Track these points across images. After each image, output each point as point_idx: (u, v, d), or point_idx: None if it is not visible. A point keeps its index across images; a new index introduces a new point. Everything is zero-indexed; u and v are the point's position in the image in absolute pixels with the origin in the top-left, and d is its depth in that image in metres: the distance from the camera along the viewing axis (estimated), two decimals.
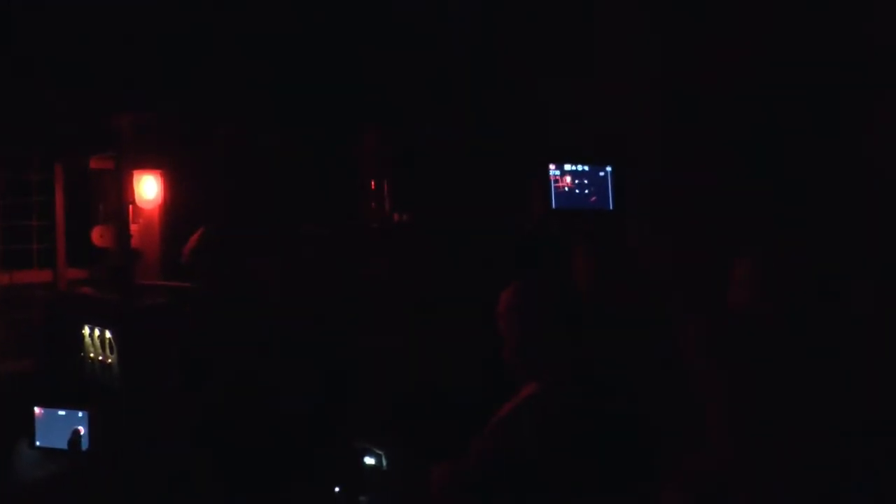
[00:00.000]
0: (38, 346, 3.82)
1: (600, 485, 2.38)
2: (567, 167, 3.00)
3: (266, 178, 3.95)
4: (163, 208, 4.03)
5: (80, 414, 3.08)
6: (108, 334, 3.50)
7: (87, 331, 3.64)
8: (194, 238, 3.52)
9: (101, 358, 3.52)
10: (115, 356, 3.43)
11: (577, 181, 3.00)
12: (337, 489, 2.84)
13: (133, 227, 4.02)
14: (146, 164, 3.99)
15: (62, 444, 3.11)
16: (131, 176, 3.98)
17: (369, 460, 2.94)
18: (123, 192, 3.93)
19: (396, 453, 2.95)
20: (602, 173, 3.05)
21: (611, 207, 3.07)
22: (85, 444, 3.07)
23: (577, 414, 2.53)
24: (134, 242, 4.02)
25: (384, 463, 2.91)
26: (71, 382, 3.48)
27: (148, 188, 4.02)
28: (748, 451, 2.05)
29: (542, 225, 3.23)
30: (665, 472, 2.25)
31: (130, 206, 4.00)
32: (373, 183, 4.06)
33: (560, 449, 2.45)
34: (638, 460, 2.39)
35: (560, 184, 2.96)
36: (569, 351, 2.66)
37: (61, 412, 3.11)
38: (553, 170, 2.97)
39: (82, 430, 3.06)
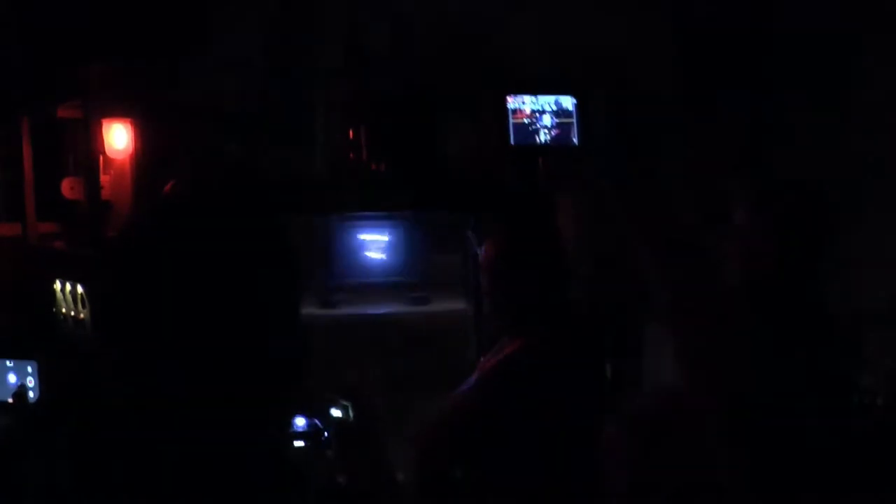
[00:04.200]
0: (8, 301, 3.72)
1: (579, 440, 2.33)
2: (527, 99, 2.78)
3: (239, 128, 3.81)
4: (134, 158, 3.90)
5: (29, 365, 2.98)
6: (80, 289, 3.42)
7: (58, 286, 3.56)
8: (166, 189, 3.40)
9: (73, 313, 3.46)
10: (87, 311, 3.35)
11: (537, 114, 2.78)
12: (301, 443, 2.72)
13: (104, 179, 3.89)
14: (115, 113, 3.86)
15: (9, 396, 3.02)
16: (100, 125, 3.85)
17: (336, 412, 2.83)
18: (92, 143, 3.81)
19: (364, 405, 2.83)
20: (567, 105, 2.79)
21: (576, 143, 2.81)
22: (34, 396, 2.98)
23: (559, 372, 2.44)
24: (105, 194, 3.88)
25: (351, 415, 2.79)
26: (30, 335, 3.39)
27: (118, 137, 3.89)
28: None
29: (495, 164, 3.08)
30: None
31: (101, 157, 3.87)
32: (351, 132, 3.92)
33: (541, 407, 2.38)
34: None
35: (518, 116, 2.75)
36: (552, 307, 2.55)
37: (9, 363, 3.01)
38: (511, 102, 2.76)
39: (32, 381, 2.98)
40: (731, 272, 2.23)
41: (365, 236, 3.92)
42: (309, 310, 3.77)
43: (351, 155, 3.87)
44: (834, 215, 2.28)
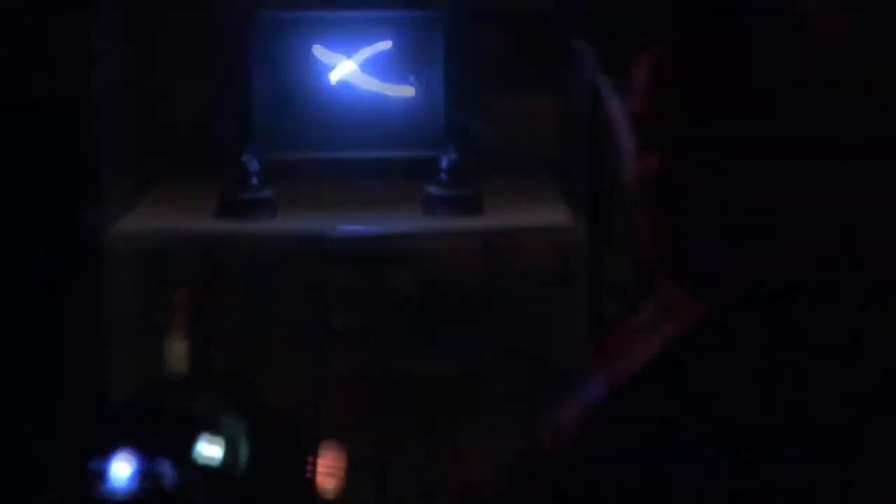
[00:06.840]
0: None
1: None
2: None
3: None
4: None
5: None
6: None
7: None
8: None
9: None
10: None
11: None
12: None
13: None
14: None
15: None
16: None
17: (207, 449, 1.59)
18: None
19: (277, 431, 1.66)
20: None
21: None
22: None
23: (793, 380, 1.22)
24: None
25: (242, 455, 1.61)
26: None
27: None
28: None
29: None
30: None
31: None
32: None
33: (759, 415, 1.26)
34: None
35: None
36: (793, 234, 1.28)
37: None
38: None
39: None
40: None
41: (338, 60, 2.29)
42: (197, 221, 2.29)
43: None
44: None
